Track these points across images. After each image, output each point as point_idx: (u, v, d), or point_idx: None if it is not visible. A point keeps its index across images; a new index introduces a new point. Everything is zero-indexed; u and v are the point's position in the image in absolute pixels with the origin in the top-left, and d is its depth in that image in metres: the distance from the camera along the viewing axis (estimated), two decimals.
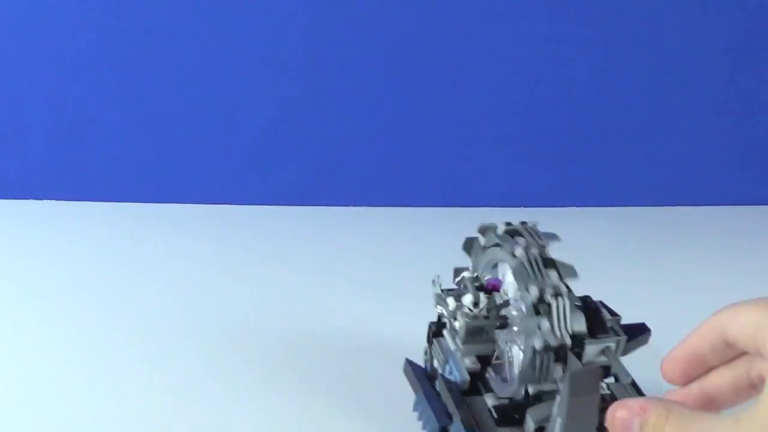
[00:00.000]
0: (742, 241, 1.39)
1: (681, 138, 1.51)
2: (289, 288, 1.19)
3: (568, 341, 0.71)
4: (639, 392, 0.78)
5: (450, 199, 1.47)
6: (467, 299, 0.79)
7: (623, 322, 0.81)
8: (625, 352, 0.77)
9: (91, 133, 1.45)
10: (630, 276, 1.24)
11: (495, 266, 0.83)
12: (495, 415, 0.76)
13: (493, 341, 0.80)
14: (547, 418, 0.71)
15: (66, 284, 1.18)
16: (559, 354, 0.70)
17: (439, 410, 0.78)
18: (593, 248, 1.33)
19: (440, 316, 0.86)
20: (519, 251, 0.75)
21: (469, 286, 0.81)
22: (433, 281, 0.84)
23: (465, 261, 0.86)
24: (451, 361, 0.82)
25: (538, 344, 0.70)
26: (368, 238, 1.38)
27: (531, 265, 0.74)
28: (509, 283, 0.80)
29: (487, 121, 1.48)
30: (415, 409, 0.82)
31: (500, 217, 0.82)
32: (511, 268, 0.76)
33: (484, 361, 0.80)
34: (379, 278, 1.21)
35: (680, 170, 1.53)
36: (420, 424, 0.81)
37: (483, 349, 0.80)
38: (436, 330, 0.87)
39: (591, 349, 0.73)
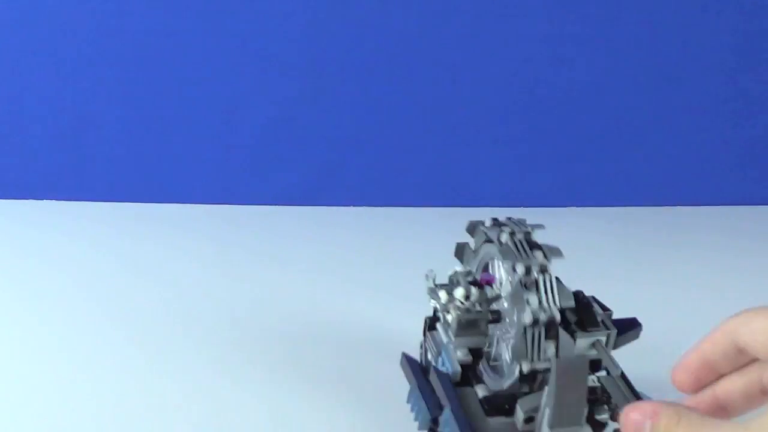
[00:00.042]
0: (742, 241, 1.40)
1: (681, 138, 1.52)
2: (290, 288, 1.19)
3: (557, 315, 0.73)
4: (628, 385, 0.81)
5: (450, 199, 1.48)
6: (459, 293, 0.81)
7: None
8: (616, 346, 0.78)
9: (91, 133, 1.47)
10: (630, 276, 1.24)
11: (486, 267, 0.85)
12: (485, 406, 0.78)
13: (485, 334, 0.82)
14: (536, 408, 0.73)
15: (66, 284, 1.19)
16: (549, 330, 0.72)
17: (431, 401, 0.80)
18: (593, 248, 1.34)
19: (435, 310, 0.88)
20: (504, 237, 0.78)
21: (461, 280, 0.83)
22: (427, 275, 0.86)
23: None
24: (443, 354, 0.84)
25: (527, 319, 0.72)
26: (368, 238, 1.39)
27: (517, 247, 0.77)
28: (502, 277, 0.82)
29: (486, 121, 1.49)
30: (408, 400, 0.84)
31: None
32: (498, 252, 0.79)
33: (476, 353, 0.82)
34: (379, 278, 1.22)
35: (680, 170, 1.54)
36: (413, 415, 0.83)
37: (475, 341, 0.82)
38: (430, 323, 0.90)
39: (581, 343, 0.75)
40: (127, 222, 1.41)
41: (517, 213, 0.85)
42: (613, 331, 0.77)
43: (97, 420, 0.88)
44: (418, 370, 0.87)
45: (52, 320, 1.09)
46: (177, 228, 1.40)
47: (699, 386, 0.68)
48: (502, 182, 1.52)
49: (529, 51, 1.46)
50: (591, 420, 0.79)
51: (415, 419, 0.81)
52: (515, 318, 0.75)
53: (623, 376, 0.81)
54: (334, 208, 1.49)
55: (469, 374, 0.82)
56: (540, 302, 0.73)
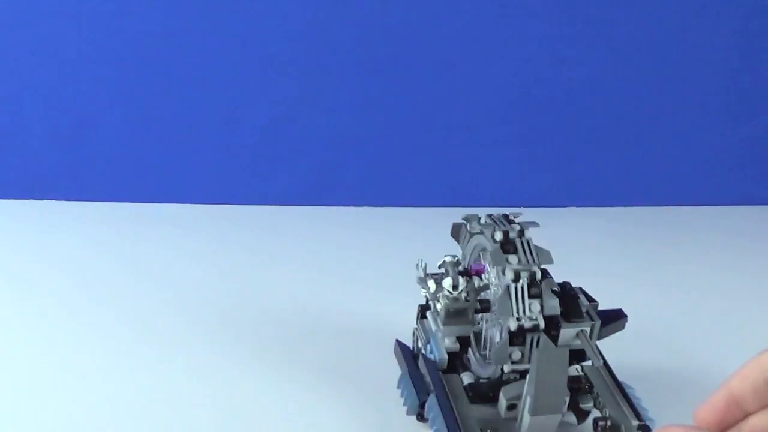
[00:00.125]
0: (742, 241, 1.42)
1: (681, 138, 1.54)
2: (290, 287, 1.21)
3: (538, 272, 0.77)
4: (612, 375, 0.85)
5: (450, 199, 1.48)
6: (447, 282, 0.85)
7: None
8: (601, 336, 0.81)
9: (91, 133, 1.50)
10: (630, 275, 1.26)
11: (479, 256, 0.89)
12: (470, 393, 0.83)
13: (473, 323, 0.86)
14: (519, 396, 0.77)
15: (66, 284, 1.21)
16: (531, 287, 0.76)
17: (419, 387, 0.85)
18: (593, 248, 1.37)
19: (428, 299, 0.92)
20: (484, 219, 0.84)
21: (450, 270, 0.87)
22: (417, 265, 0.91)
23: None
24: (432, 341, 0.89)
25: (509, 275, 0.77)
26: (368, 238, 1.41)
27: (495, 221, 0.82)
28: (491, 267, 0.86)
29: (486, 122, 1.52)
30: (398, 386, 0.89)
31: None
32: (480, 227, 0.84)
33: (464, 341, 0.86)
34: (380, 277, 1.23)
35: (680, 170, 1.56)
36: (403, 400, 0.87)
37: (462, 330, 0.87)
38: (422, 312, 0.94)
39: (566, 333, 0.78)
40: (127, 222, 1.43)
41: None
42: (597, 322, 0.79)
43: (96, 419, 0.89)
44: (409, 356, 0.92)
45: (53, 320, 1.10)
46: (177, 228, 1.42)
47: (723, 427, 0.63)
48: (502, 182, 1.53)
49: (528, 51, 1.48)
50: (575, 408, 0.83)
51: (404, 404, 0.86)
52: (499, 282, 0.79)
53: (606, 366, 0.85)
54: (334, 208, 1.51)
55: (456, 362, 0.87)
56: (519, 261, 0.77)
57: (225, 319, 1.11)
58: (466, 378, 0.85)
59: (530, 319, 0.75)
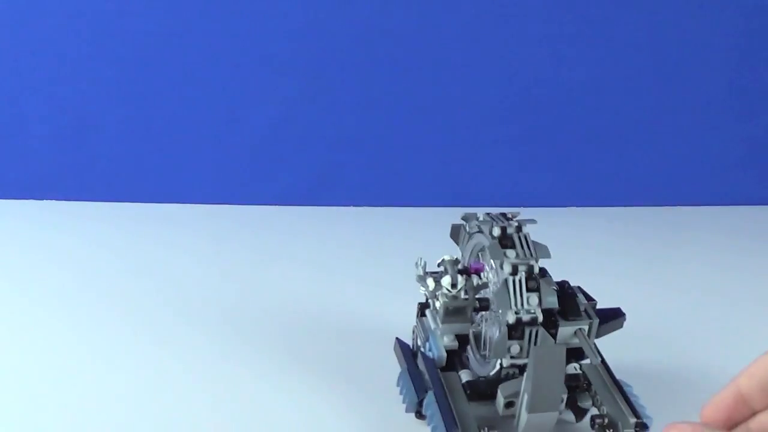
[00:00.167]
0: (742, 241, 1.43)
1: (681, 138, 1.55)
2: (290, 287, 1.22)
3: (536, 266, 0.79)
4: (609, 373, 0.86)
5: (450, 199, 1.49)
6: (446, 280, 0.86)
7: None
8: (599, 335, 0.83)
9: (91, 133, 1.50)
10: (629, 275, 1.27)
11: (478, 256, 0.91)
12: (468, 391, 0.84)
13: (471, 321, 0.87)
14: (516, 394, 0.79)
15: (66, 284, 1.21)
16: (529, 281, 0.78)
17: (418, 384, 0.86)
18: (593, 248, 1.38)
19: (427, 297, 0.94)
20: (486, 217, 0.85)
21: (449, 268, 0.88)
22: (416, 263, 0.92)
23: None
24: (431, 339, 0.91)
25: (507, 269, 0.78)
26: (368, 238, 1.42)
27: (493, 218, 0.84)
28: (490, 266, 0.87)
29: (486, 122, 1.52)
30: (398, 383, 0.91)
31: None
32: (478, 225, 0.85)
33: (462, 339, 0.88)
34: (380, 277, 1.24)
35: (680, 170, 1.57)
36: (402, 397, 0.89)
37: (461, 328, 0.89)
38: (421, 310, 0.96)
39: (564, 331, 0.79)
40: (127, 222, 1.44)
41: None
42: (595, 321, 0.80)
43: (98, 418, 0.90)
44: (409, 354, 0.93)
45: (53, 320, 1.11)
46: (177, 228, 1.43)
47: (730, 425, 0.64)
48: (502, 182, 1.54)
49: (528, 51, 1.48)
50: (573, 406, 0.84)
51: (403, 401, 0.88)
52: (497, 278, 0.81)
53: (604, 364, 0.86)
54: (334, 208, 1.52)
55: (455, 360, 0.88)
56: (517, 255, 0.79)
57: (225, 319, 1.12)
58: (465, 376, 0.86)
59: (528, 312, 0.77)
